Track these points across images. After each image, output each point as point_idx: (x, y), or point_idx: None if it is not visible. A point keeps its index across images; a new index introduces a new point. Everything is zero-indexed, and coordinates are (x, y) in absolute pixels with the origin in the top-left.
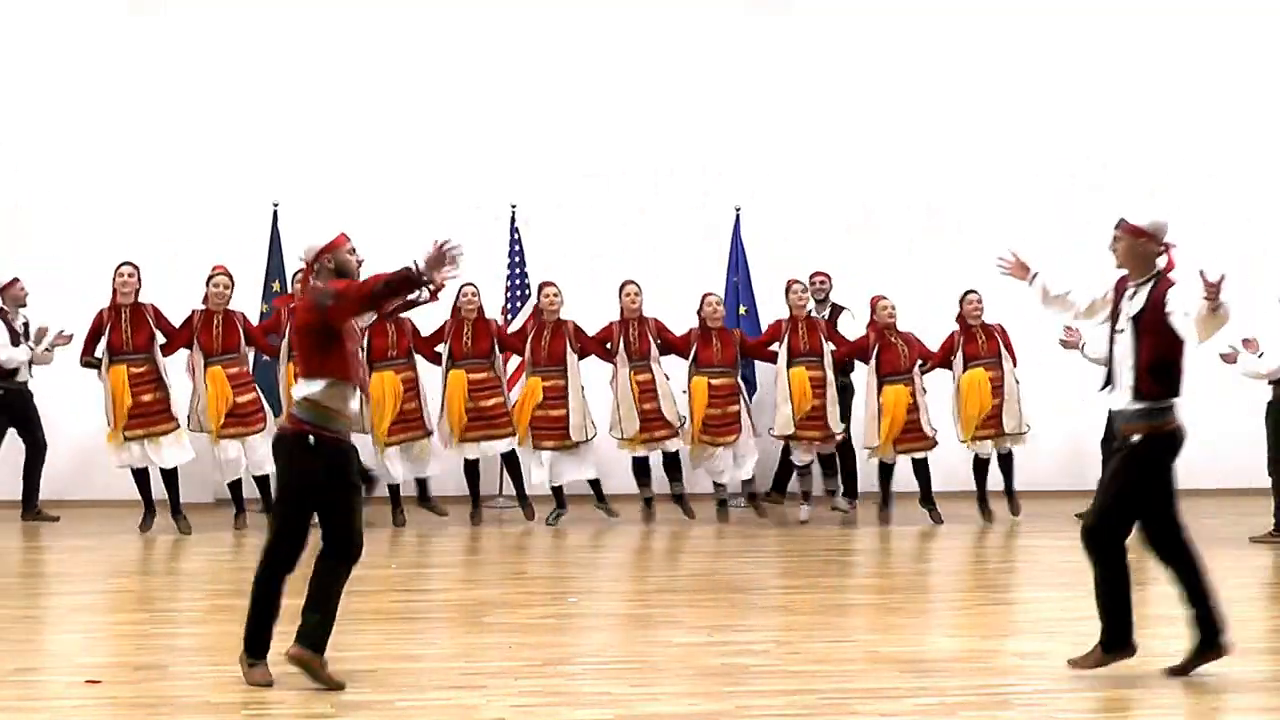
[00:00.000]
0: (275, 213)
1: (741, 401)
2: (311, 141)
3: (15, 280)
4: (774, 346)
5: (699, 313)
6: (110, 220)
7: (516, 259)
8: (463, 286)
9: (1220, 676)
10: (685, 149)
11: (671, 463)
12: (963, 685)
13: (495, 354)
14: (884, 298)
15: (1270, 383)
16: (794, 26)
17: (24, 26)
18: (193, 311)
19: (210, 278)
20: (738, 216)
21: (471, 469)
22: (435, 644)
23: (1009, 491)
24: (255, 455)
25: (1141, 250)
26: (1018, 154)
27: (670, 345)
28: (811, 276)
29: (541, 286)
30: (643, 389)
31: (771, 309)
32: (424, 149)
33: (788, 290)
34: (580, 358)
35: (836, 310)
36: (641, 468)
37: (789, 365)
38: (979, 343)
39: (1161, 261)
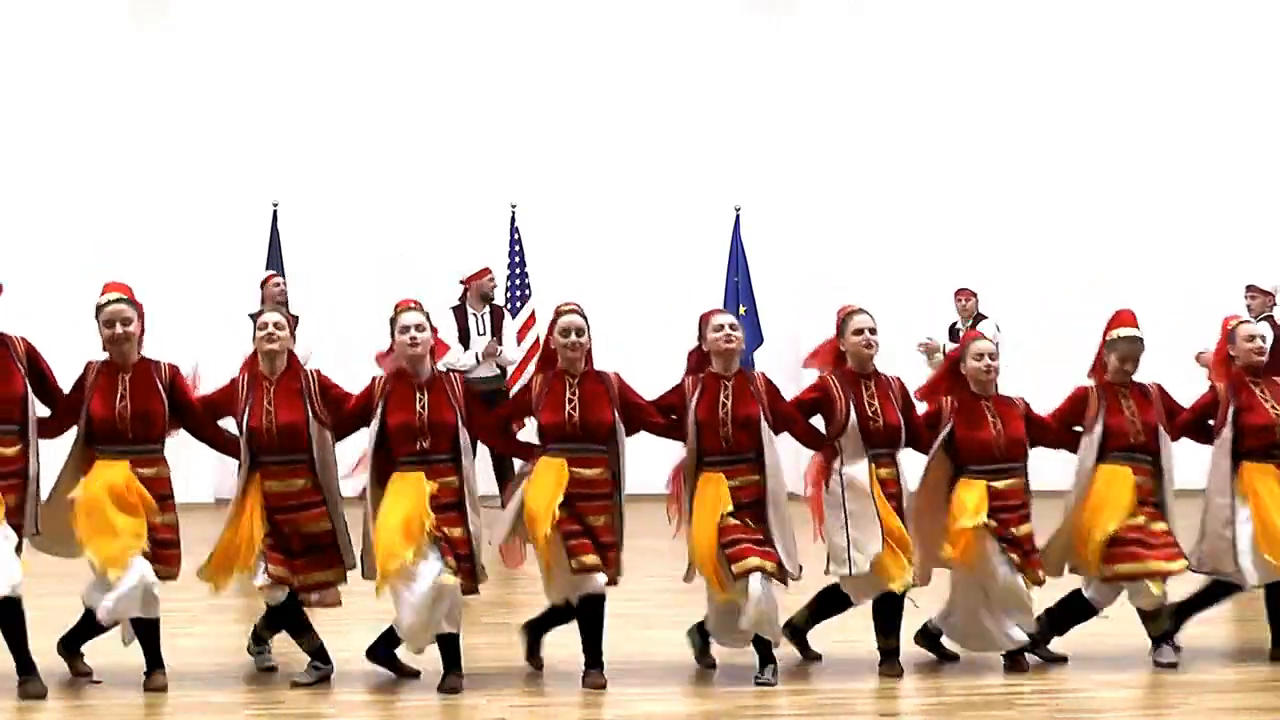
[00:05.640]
0: (275, 213)
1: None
2: (311, 141)
3: (485, 270)
4: (1078, 427)
5: (963, 368)
6: (109, 222)
7: (516, 259)
8: (562, 315)
9: (1221, 677)
10: (685, 149)
11: (893, 607)
12: (963, 685)
13: (617, 436)
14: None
15: None
16: (795, 26)
17: (24, 27)
18: (87, 365)
19: (100, 308)
20: (738, 216)
21: (592, 611)
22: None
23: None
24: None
25: None
26: (1020, 152)
27: (915, 422)
28: (956, 294)
29: (706, 317)
30: (889, 492)
31: (772, 309)
32: (424, 149)
33: (1113, 344)
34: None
35: (978, 319)
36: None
37: (1101, 458)
38: None
39: None
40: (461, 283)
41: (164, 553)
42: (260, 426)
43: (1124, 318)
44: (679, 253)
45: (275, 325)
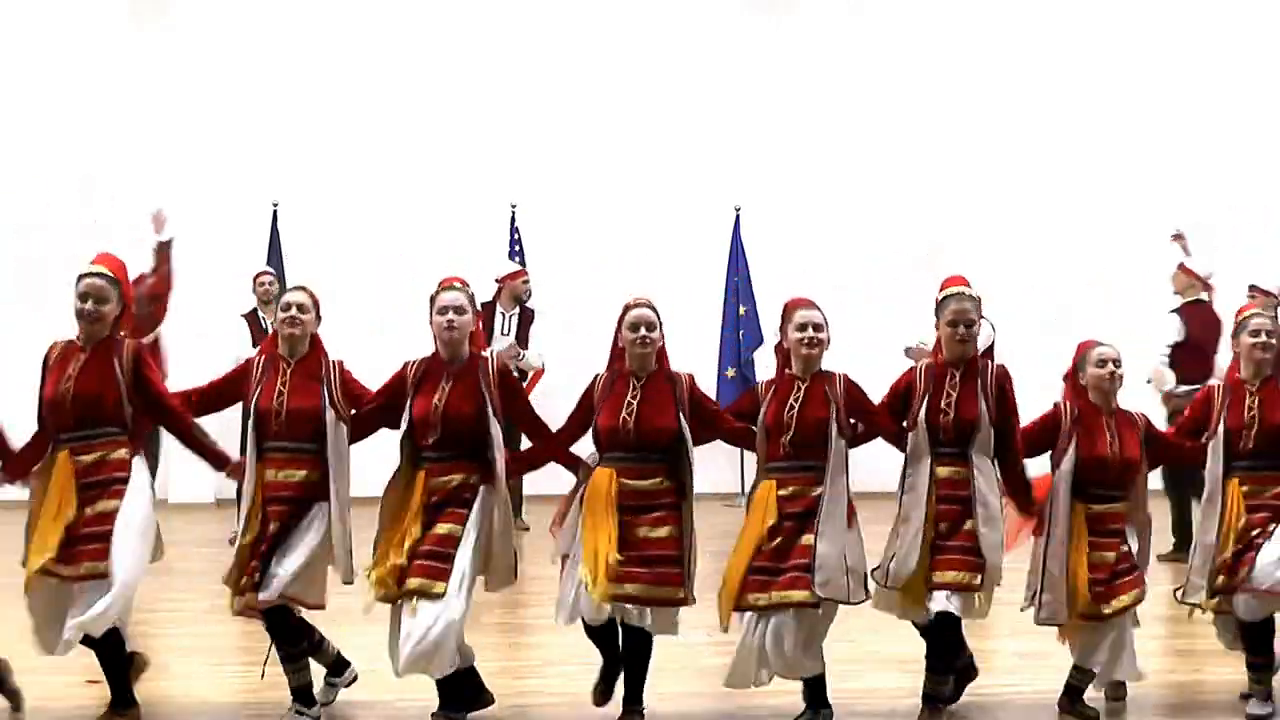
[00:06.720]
0: (275, 213)
1: (1131, 542)
2: (311, 141)
3: (520, 272)
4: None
5: (1070, 375)
6: (108, 222)
7: (516, 259)
8: (631, 309)
9: (1222, 679)
10: (685, 149)
11: (950, 637)
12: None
13: (682, 445)
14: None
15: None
16: (795, 26)
17: (24, 27)
18: (52, 345)
19: (79, 278)
20: (738, 216)
21: (607, 638)
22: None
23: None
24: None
25: None
26: (1021, 152)
27: (1010, 423)
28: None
29: (790, 309)
30: (947, 494)
31: (772, 309)
32: (424, 149)
33: (1243, 324)
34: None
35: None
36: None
37: (1227, 473)
38: None
39: None
40: (497, 281)
41: (80, 549)
42: (270, 409)
43: (1246, 307)
44: (679, 253)
45: (299, 308)
